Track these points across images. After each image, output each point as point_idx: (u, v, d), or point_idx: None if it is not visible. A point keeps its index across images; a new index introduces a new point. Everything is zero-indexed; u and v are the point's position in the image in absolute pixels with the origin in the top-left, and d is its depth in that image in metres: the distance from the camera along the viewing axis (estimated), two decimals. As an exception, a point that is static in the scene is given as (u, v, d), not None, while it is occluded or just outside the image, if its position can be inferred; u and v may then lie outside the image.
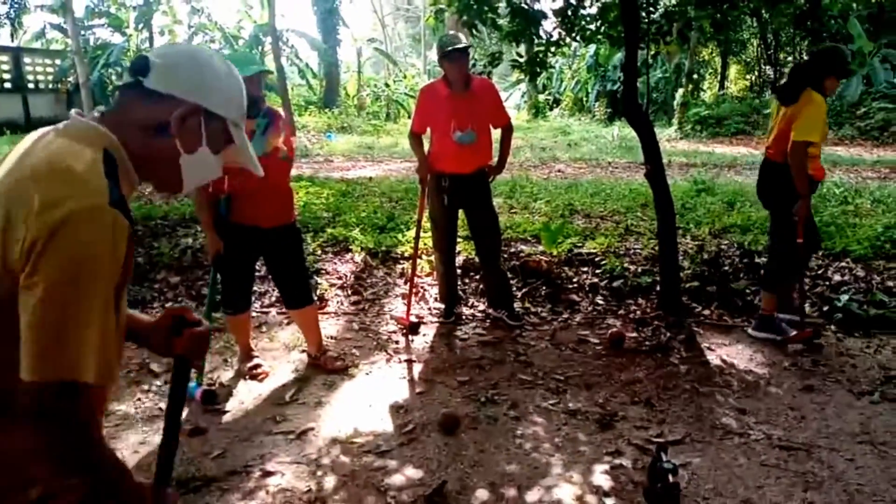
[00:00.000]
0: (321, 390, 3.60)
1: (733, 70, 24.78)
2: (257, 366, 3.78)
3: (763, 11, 5.12)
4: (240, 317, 3.76)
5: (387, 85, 26.33)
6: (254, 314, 4.39)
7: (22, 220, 1.05)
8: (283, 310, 4.46)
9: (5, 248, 1.06)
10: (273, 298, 4.84)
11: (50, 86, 18.75)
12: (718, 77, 24.38)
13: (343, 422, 3.26)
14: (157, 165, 1.27)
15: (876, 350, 4.08)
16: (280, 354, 4.08)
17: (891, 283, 4.82)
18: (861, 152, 12.94)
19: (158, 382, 3.67)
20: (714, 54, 23.37)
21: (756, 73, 23.74)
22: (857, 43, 17.82)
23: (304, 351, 4.02)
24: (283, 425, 3.23)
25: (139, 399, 3.49)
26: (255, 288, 4.33)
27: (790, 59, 22.26)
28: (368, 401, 3.48)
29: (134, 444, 3.07)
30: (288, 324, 4.48)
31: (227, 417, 3.33)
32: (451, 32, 4.18)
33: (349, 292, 5.05)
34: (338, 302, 4.93)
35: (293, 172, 3.79)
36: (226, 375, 3.80)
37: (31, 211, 1.05)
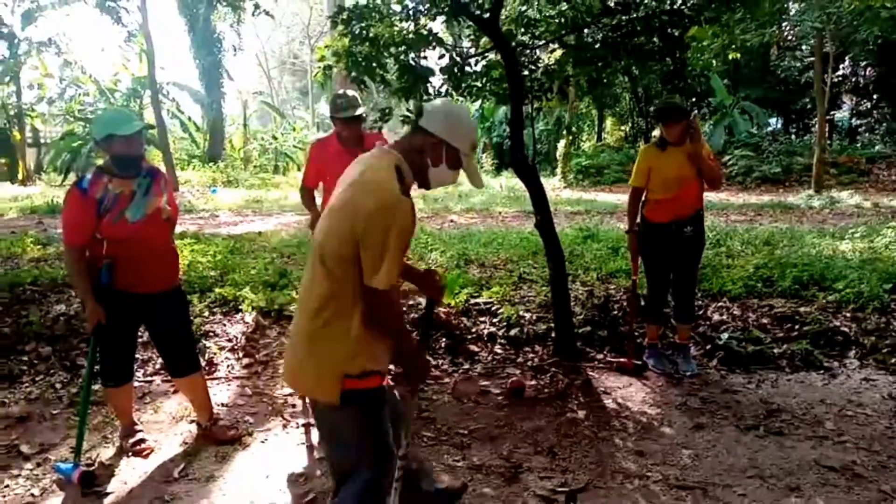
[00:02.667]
0: (213, 463, 3.38)
1: (609, 122, 26.30)
2: (141, 441, 3.51)
3: (634, 69, 5.46)
4: (122, 388, 3.49)
5: (274, 138, 26.05)
6: (136, 384, 4.09)
7: (361, 210, 2.03)
8: (168, 378, 4.20)
9: (353, 229, 2.03)
10: (157, 366, 4.55)
11: None
12: (596, 129, 25.78)
13: (239, 496, 3.07)
14: (418, 172, 2.21)
15: (757, 385, 4.32)
16: (166, 427, 3.81)
17: (765, 321, 5.15)
18: (728, 197, 13.95)
19: (29, 466, 3.33)
20: (591, 107, 24.74)
21: (630, 124, 25.31)
22: (718, 97, 19.44)
23: (192, 421, 3.78)
24: (172, 505, 3.00)
25: (7, 485, 3.15)
26: (136, 356, 4.06)
27: (659, 111, 23.76)
28: (265, 471, 3.30)
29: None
30: (174, 392, 4.21)
31: (109, 500, 3.05)
32: (343, 91, 4.17)
33: (240, 355, 4.83)
34: (228, 366, 4.70)
35: (176, 229, 3.62)
36: (106, 453, 3.49)
37: (366, 204, 2.03)
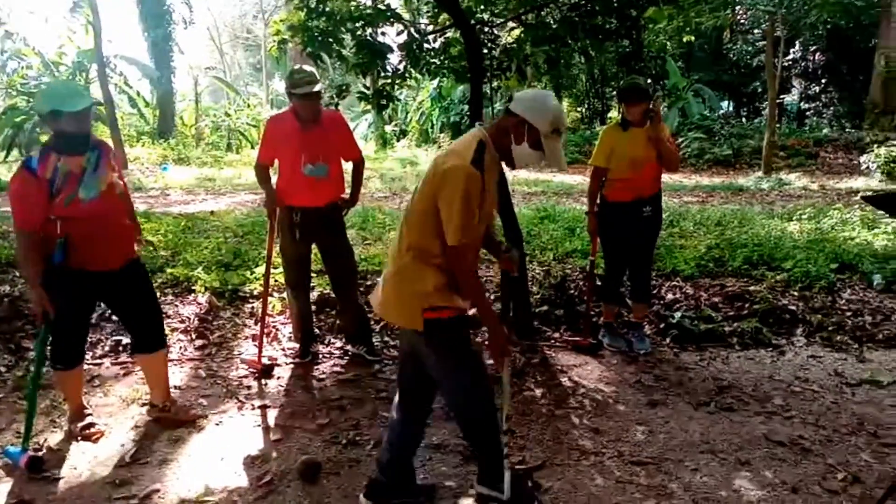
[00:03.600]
0: (166, 447, 3.31)
1: (565, 103, 26.38)
2: (91, 424, 3.41)
3: (591, 50, 5.47)
4: (72, 371, 3.38)
5: (227, 114, 25.45)
6: (84, 366, 3.97)
7: (440, 171, 2.39)
8: (118, 360, 4.09)
9: (432, 189, 2.40)
10: (107, 349, 4.43)
11: None
12: (553, 109, 25.78)
13: (192, 479, 3.01)
14: (502, 149, 2.51)
15: (708, 363, 4.42)
16: (117, 410, 3.72)
17: (716, 300, 5.27)
18: (681, 178, 14.18)
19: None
20: (548, 88, 24.78)
21: (586, 105, 25.47)
22: (672, 79, 19.69)
23: (144, 405, 3.69)
24: (125, 489, 2.93)
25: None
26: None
27: (615, 93, 24.10)
28: (220, 454, 3.24)
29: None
30: (125, 375, 4.11)
31: (59, 486, 2.96)
32: (299, 67, 4.07)
33: (193, 336, 4.73)
34: (181, 347, 4.60)
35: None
36: (55, 438, 3.39)
37: (440, 166, 2.41)
